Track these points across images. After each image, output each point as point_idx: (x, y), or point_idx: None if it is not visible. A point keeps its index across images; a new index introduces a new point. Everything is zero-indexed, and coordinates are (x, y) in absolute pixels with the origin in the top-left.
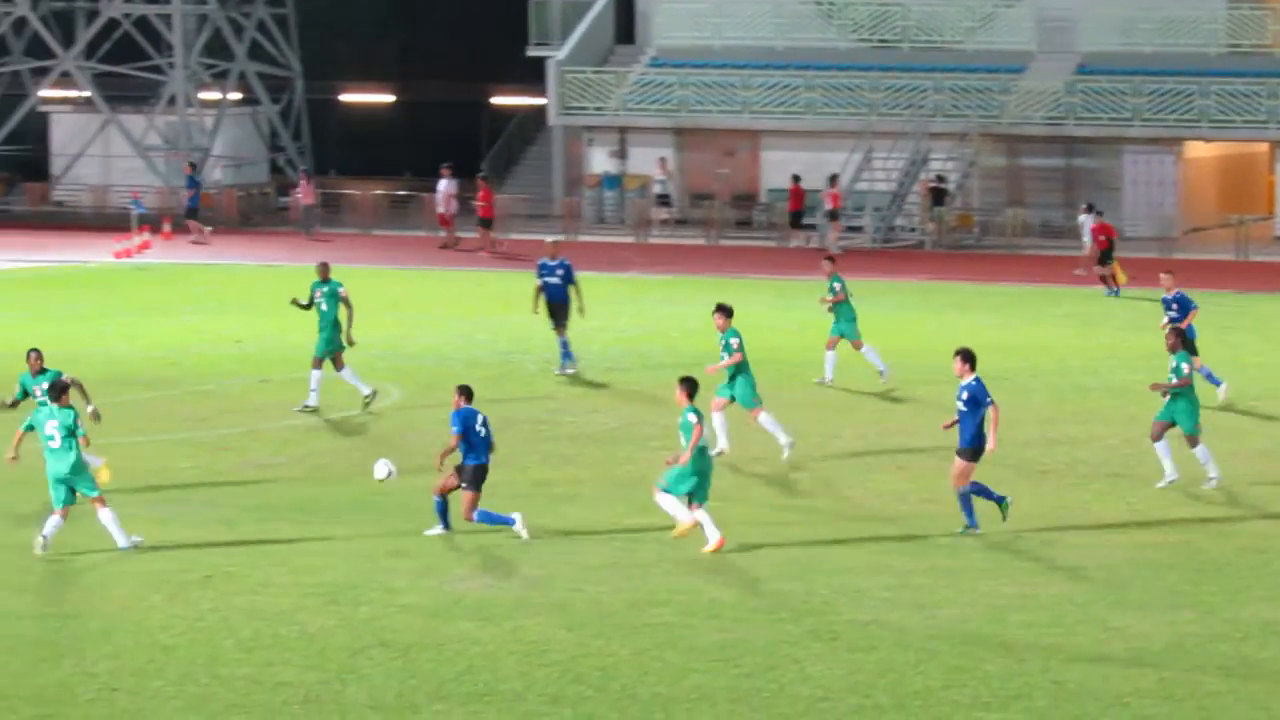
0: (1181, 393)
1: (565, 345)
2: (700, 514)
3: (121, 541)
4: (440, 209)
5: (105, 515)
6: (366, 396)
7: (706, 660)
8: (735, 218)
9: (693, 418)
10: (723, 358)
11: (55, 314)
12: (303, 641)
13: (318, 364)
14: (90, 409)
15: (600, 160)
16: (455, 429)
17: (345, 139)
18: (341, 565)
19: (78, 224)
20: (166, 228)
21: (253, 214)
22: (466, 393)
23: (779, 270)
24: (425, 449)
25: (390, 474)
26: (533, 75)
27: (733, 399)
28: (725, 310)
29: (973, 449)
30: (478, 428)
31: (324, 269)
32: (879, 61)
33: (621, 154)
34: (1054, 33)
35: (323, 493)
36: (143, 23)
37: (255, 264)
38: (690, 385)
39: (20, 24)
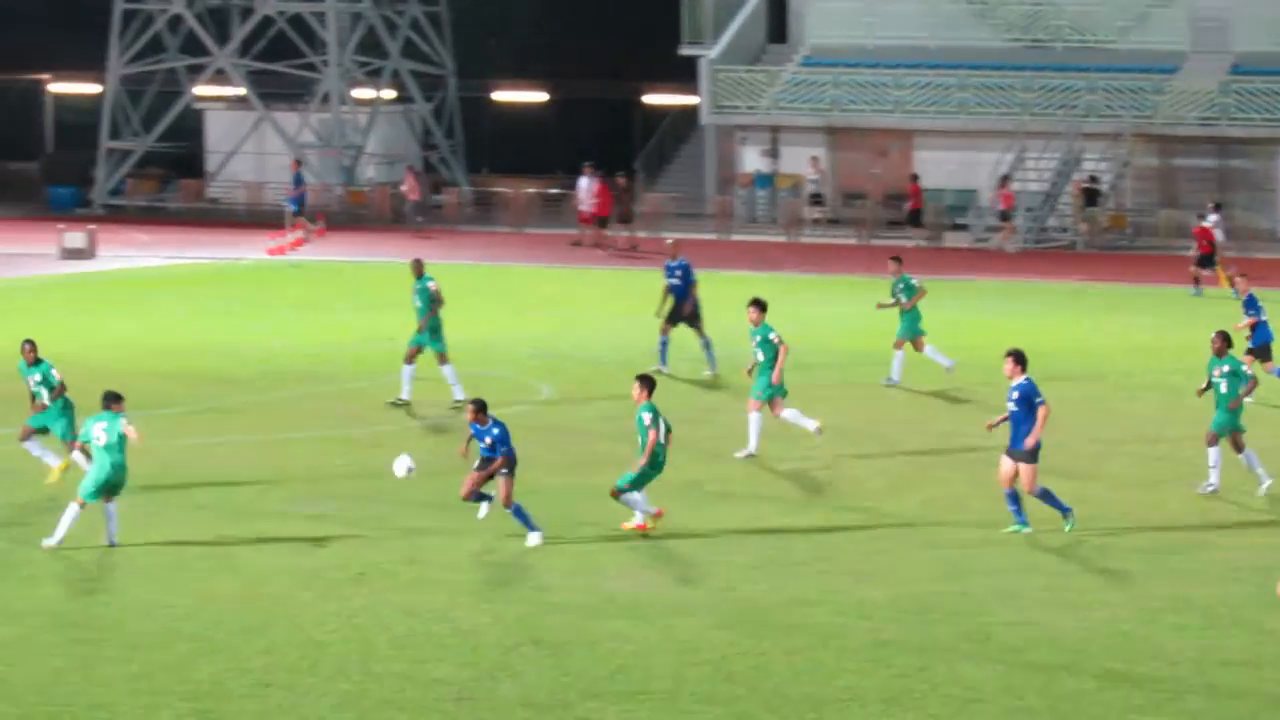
0: (1222, 398)
1: (707, 345)
2: (638, 497)
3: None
4: (582, 207)
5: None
6: (400, 400)
7: (858, 660)
8: (887, 217)
9: (648, 417)
10: (756, 354)
11: (210, 310)
12: (456, 639)
13: (443, 359)
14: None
15: (752, 159)
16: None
17: (497, 137)
18: (495, 563)
19: (232, 221)
20: (320, 225)
21: (405, 212)
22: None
23: (930, 270)
24: (576, 446)
25: (410, 471)
26: (685, 74)
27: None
28: (760, 304)
29: (1031, 450)
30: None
31: (418, 266)
32: (1032, 61)
33: (773, 153)
34: (1207, 32)
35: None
36: (297, 20)
37: (407, 261)
38: (647, 383)
39: (176, 22)
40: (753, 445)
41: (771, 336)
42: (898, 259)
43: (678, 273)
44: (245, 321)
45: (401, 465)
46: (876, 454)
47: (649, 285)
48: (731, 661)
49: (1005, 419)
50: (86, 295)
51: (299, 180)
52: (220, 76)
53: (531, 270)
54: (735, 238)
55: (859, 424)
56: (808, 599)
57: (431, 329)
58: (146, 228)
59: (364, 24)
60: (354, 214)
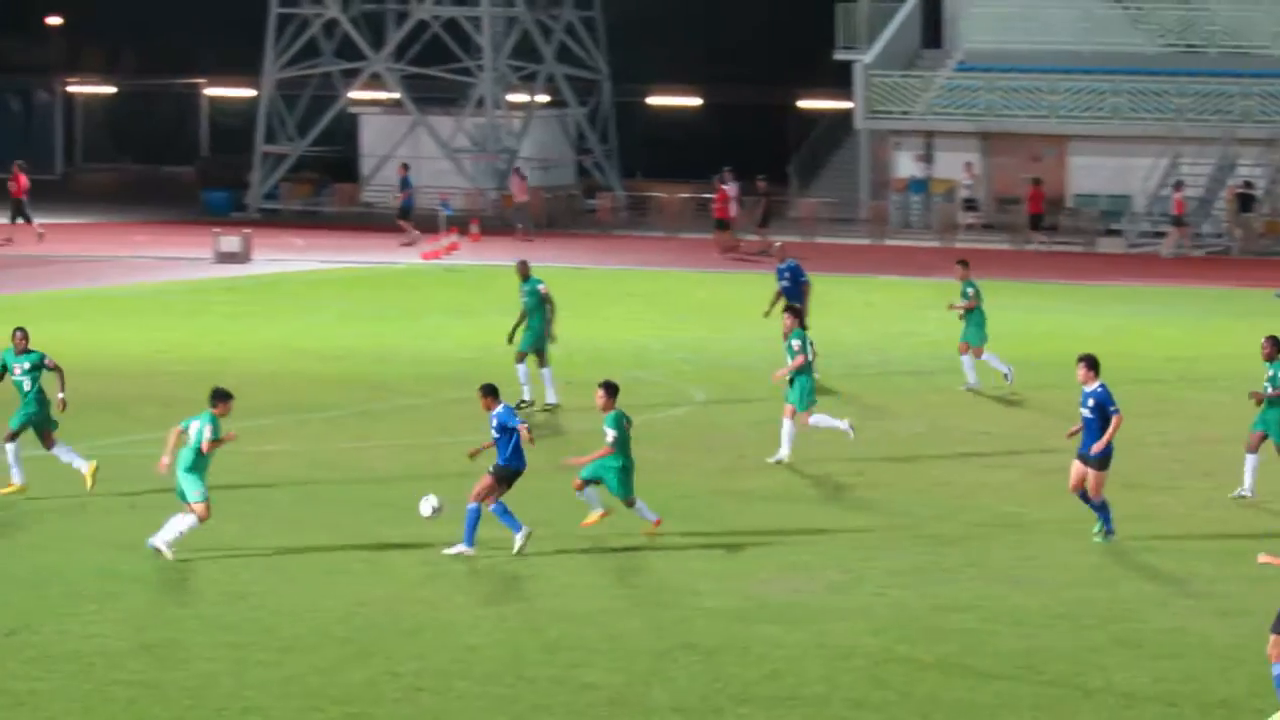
0: (1275, 402)
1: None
2: (592, 493)
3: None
4: (721, 211)
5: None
6: (523, 402)
7: (1010, 666)
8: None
9: (611, 432)
10: (787, 362)
11: (364, 314)
12: (607, 643)
13: (520, 358)
14: (60, 397)
15: (906, 164)
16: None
17: (651, 142)
18: (647, 568)
19: (386, 225)
20: (474, 229)
21: (559, 216)
22: (493, 392)
23: (1085, 275)
24: (728, 450)
25: (436, 511)
26: (840, 79)
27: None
28: (795, 311)
29: (1103, 458)
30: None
31: (523, 268)
32: (1185, 66)
33: (927, 158)
34: None
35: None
36: (452, 25)
37: (561, 266)
38: (609, 388)
39: (331, 26)
40: (785, 451)
41: (794, 344)
42: (964, 263)
43: (787, 275)
44: (399, 326)
45: (427, 505)
46: (1027, 460)
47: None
48: (883, 667)
49: (1080, 429)
50: (241, 299)
51: (406, 184)
52: (375, 81)
53: (684, 275)
54: (889, 243)
55: (1009, 429)
56: (959, 605)
57: (535, 331)
58: (301, 232)
59: (519, 28)
60: (508, 219)
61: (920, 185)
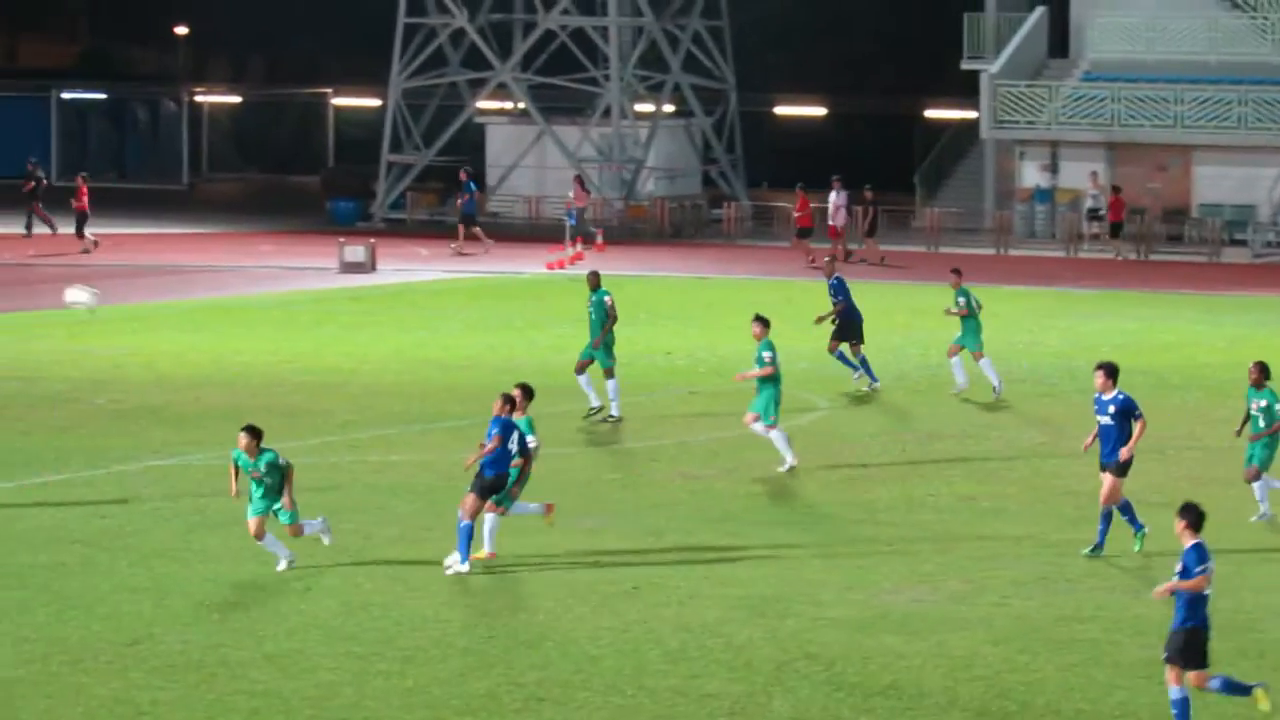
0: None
1: (864, 362)
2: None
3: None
4: (830, 221)
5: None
6: (593, 409)
7: (1132, 677)
8: (1166, 232)
9: (531, 441)
10: (755, 368)
11: (489, 324)
12: (729, 653)
13: (609, 373)
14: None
15: (1031, 174)
16: (495, 431)
17: (777, 151)
18: (768, 577)
19: (511, 234)
20: (599, 239)
21: (684, 226)
22: (511, 401)
23: (1210, 286)
24: (850, 460)
25: (83, 303)
26: (966, 88)
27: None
28: (763, 321)
29: (1126, 464)
30: (511, 441)
31: (594, 278)
32: None
33: (1053, 168)
34: None
35: (751, 504)
36: (578, 35)
37: (686, 275)
38: (525, 391)
39: (458, 36)
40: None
41: (765, 355)
42: (957, 271)
43: (837, 289)
44: (523, 335)
45: (77, 295)
46: (1154, 468)
47: (920, 300)
48: (1004, 677)
49: (1096, 435)
50: (365, 309)
51: (468, 189)
52: (500, 90)
53: (808, 285)
54: (1014, 253)
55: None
56: (1081, 615)
57: (605, 344)
58: (426, 241)
59: (645, 38)
60: (633, 228)
61: (1045, 195)
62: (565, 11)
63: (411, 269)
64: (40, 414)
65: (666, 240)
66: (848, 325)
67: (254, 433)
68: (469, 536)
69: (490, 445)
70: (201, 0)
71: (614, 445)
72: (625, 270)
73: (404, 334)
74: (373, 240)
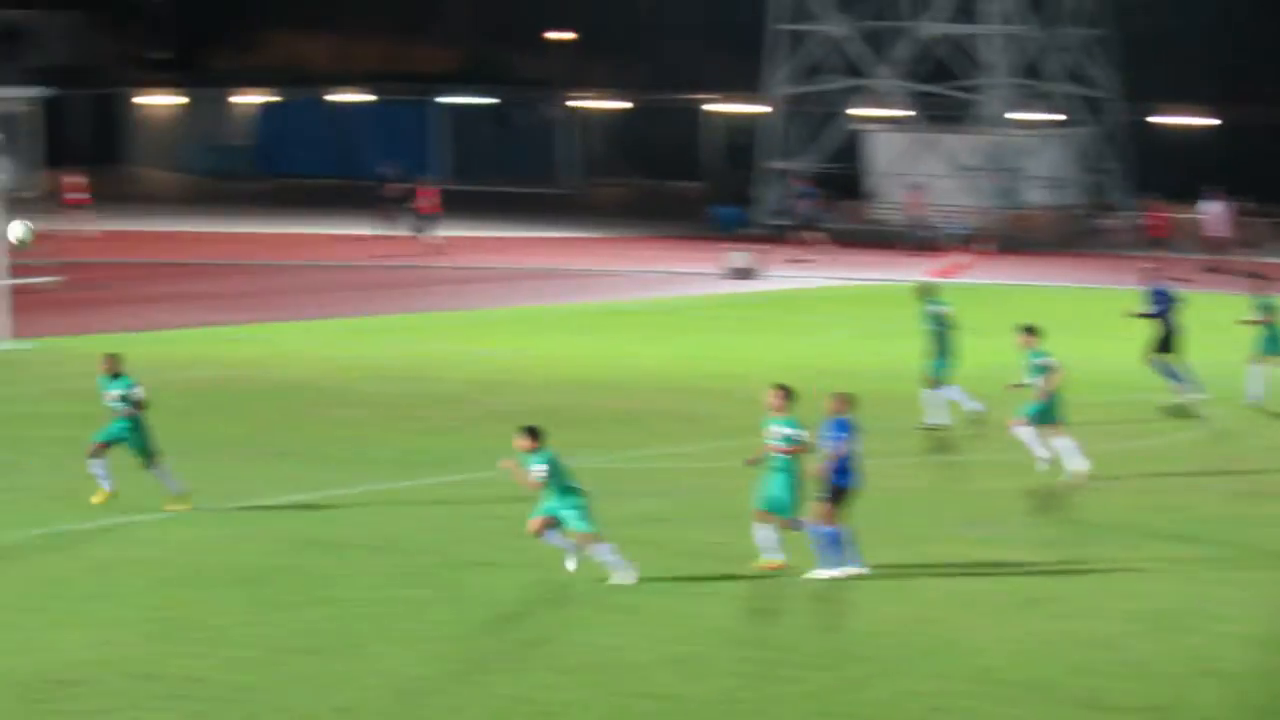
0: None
1: (1175, 373)
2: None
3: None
4: (1209, 231)
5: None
6: (932, 424)
7: None
8: None
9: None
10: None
11: (874, 331)
12: (1128, 667)
13: (939, 384)
14: None
15: None
16: (842, 435)
17: (1165, 161)
18: (1167, 590)
19: (893, 243)
20: (988, 247)
21: (1070, 236)
22: (847, 400)
23: None
24: (1246, 470)
25: (17, 238)
26: None
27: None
28: (1031, 330)
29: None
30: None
31: (926, 289)
32: None
33: None
34: None
35: (1142, 517)
36: (956, 42)
37: (1071, 285)
38: (784, 392)
39: (833, 42)
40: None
41: (1040, 362)
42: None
43: (1158, 298)
44: (907, 343)
45: (15, 230)
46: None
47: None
48: None
49: None
50: (752, 315)
51: (806, 195)
52: (875, 97)
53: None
54: None
55: None
56: None
57: (940, 353)
58: (807, 248)
59: (1028, 46)
60: (1018, 237)
61: None
62: (944, 19)
63: (796, 275)
64: (437, 414)
65: (1053, 250)
66: (1168, 336)
67: (532, 434)
68: (835, 542)
69: (840, 448)
70: (582, 7)
71: (1003, 456)
72: (1010, 279)
73: (791, 340)
74: (761, 246)
